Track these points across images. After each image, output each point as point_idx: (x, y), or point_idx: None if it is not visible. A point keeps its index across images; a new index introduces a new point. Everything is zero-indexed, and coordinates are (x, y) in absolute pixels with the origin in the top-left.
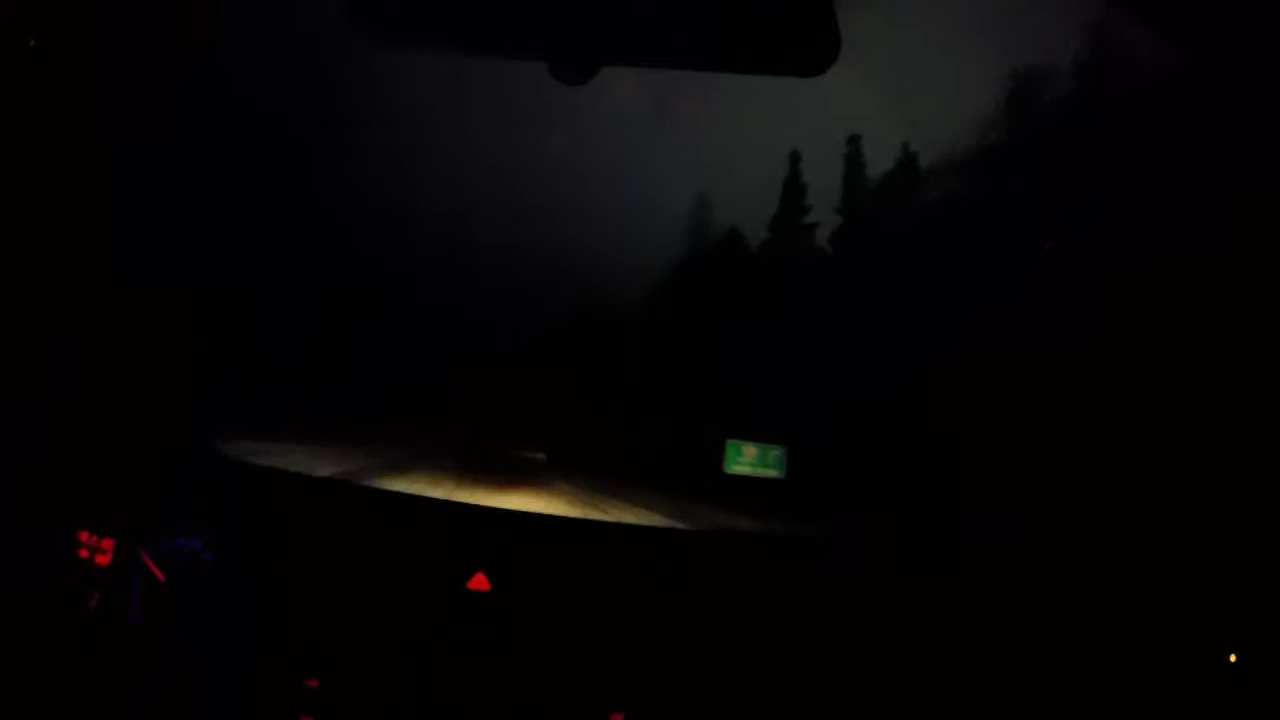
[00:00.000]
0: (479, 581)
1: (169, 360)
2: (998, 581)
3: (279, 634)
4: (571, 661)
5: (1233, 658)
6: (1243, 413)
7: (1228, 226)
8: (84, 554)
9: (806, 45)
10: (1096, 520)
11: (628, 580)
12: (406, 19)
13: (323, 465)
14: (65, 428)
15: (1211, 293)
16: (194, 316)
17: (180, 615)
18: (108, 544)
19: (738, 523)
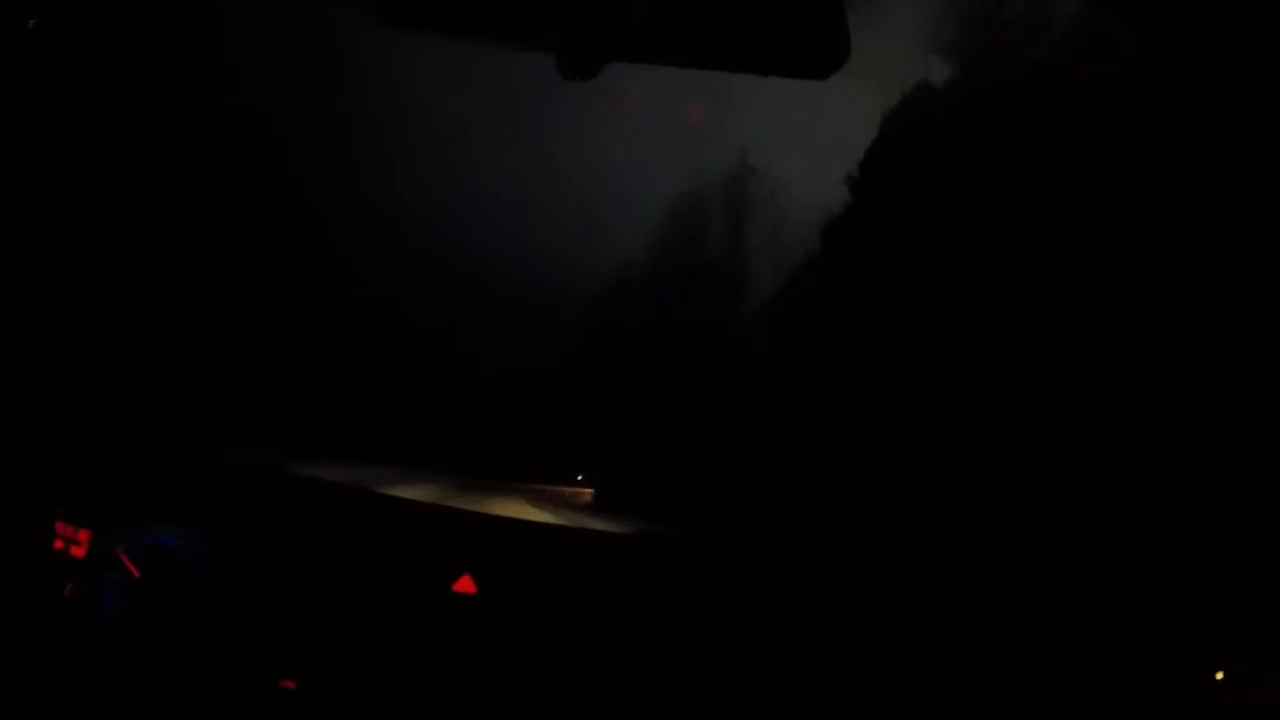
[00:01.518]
0: (465, 584)
1: (170, 356)
2: (982, 590)
3: (259, 634)
4: (555, 670)
5: (1219, 675)
6: (1236, 420)
7: (1220, 232)
8: (59, 545)
9: (814, 47)
10: (1083, 529)
11: (613, 590)
12: (418, 7)
13: (319, 468)
14: (67, 416)
15: (1205, 299)
16: (203, 314)
17: (155, 613)
18: (83, 535)
19: (727, 531)
